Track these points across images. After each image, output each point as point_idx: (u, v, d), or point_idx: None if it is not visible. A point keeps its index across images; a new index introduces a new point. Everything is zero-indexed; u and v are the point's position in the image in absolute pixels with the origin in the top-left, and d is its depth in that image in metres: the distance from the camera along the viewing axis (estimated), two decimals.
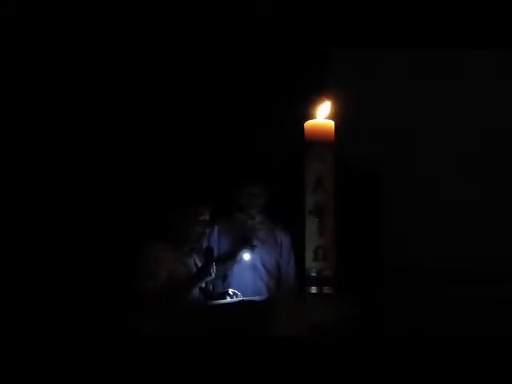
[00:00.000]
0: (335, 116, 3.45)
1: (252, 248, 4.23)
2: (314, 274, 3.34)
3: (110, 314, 4.16)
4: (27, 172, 4.60)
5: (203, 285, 3.85)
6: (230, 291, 3.87)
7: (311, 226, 3.37)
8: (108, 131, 4.71)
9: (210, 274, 3.76)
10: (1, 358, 3.73)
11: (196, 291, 3.83)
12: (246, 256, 4.21)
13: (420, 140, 4.84)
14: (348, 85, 4.64)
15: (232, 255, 4.24)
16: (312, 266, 3.34)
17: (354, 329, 3.45)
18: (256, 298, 3.69)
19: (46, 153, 4.66)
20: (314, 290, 3.36)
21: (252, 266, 4.26)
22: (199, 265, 3.93)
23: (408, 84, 4.93)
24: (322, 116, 3.41)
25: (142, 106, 4.76)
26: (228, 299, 3.79)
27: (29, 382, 3.57)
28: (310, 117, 3.42)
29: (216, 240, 4.31)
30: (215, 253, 3.98)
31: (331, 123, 3.40)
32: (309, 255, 3.36)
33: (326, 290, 3.35)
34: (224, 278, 4.24)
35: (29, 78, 4.67)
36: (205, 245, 4.08)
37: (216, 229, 4.33)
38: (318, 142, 3.38)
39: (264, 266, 4.29)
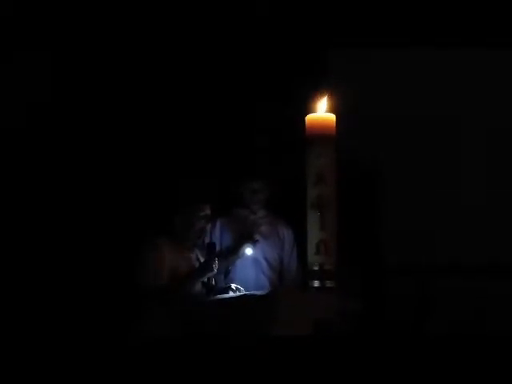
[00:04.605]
0: (336, 112, 3.46)
1: (254, 243, 4.21)
2: (315, 268, 3.35)
3: (112, 312, 4.17)
4: (30, 171, 4.62)
5: (205, 280, 3.85)
6: (233, 286, 3.86)
7: (313, 220, 3.37)
8: (108, 128, 4.72)
9: (212, 270, 3.78)
10: (1, 358, 3.69)
11: (198, 286, 3.84)
12: (248, 251, 4.19)
13: (420, 138, 4.85)
14: (347, 85, 4.64)
15: (234, 250, 4.21)
16: (314, 260, 3.35)
17: (357, 325, 3.45)
18: (258, 292, 3.68)
19: (50, 151, 4.67)
20: (316, 283, 3.36)
21: (254, 260, 4.24)
22: (201, 260, 3.95)
23: (407, 84, 4.93)
24: (323, 110, 3.42)
25: (144, 104, 4.76)
26: (230, 294, 3.78)
27: (29, 382, 3.53)
28: (311, 111, 3.43)
29: (218, 235, 4.29)
30: (217, 248, 4.00)
31: (332, 117, 3.41)
32: (311, 249, 3.37)
33: (328, 283, 3.36)
34: (226, 272, 4.22)
35: (28, 78, 4.69)
36: (207, 240, 4.10)
37: (218, 224, 4.31)
38: (320, 136, 3.39)
39: (266, 260, 4.27)
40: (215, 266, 3.77)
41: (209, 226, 4.09)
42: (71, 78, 4.77)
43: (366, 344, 3.22)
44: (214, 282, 3.93)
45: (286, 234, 4.36)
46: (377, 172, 4.83)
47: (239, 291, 3.83)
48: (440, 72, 4.92)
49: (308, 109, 3.46)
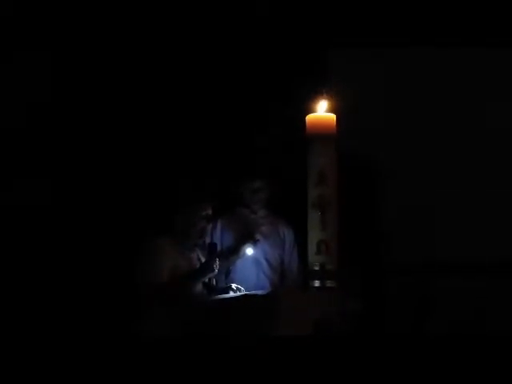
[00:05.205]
0: (336, 112, 3.47)
1: (255, 243, 4.22)
2: (316, 268, 3.36)
3: (112, 312, 4.17)
4: (30, 171, 4.63)
5: (206, 280, 3.85)
6: (233, 286, 3.86)
7: (314, 219, 3.38)
8: (111, 128, 4.73)
9: (213, 270, 3.77)
10: (1, 358, 3.69)
11: (199, 286, 3.84)
12: (249, 251, 4.19)
13: (420, 138, 4.85)
14: (347, 85, 4.64)
15: (235, 250, 4.21)
16: (315, 260, 3.36)
17: (357, 325, 3.45)
18: (259, 292, 3.68)
19: (50, 151, 4.67)
20: (316, 283, 3.37)
21: (255, 260, 4.23)
22: (202, 260, 3.94)
23: (407, 84, 4.94)
24: (323, 110, 3.43)
25: (145, 105, 4.77)
26: (231, 294, 3.78)
27: (29, 382, 3.53)
28: (311, 111, 3.43)
29: (219, 235, 4.28)
30: (218, 248, 3.99)
31: (333, 117, 3.43)
32: (311, 249, 3.37)
33: (329, 283, 3.37)
34: (227, 272, 4.21)
35: (28, 78, 4.69)
36: (208, 240, 4.09)
37: (219, 224, 4.31)
38: (320, 136, 3.40)
39: (267, 260, 4.27)
40: (216, 266, 3.77)
41: (209, 226, 4.09)
42: (71, 77, 4.77)
43: (366, 344, 3.22)
44: (214, 282, 3.94)
45: (287, 233, 4.36)
46: (377, 172, 4.83)
47: (240, 291, 3.82)
48: (440, 72, 4.92)
49: (308, 109, 3.47)
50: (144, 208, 4.48)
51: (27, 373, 3.37)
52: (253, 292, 3.72)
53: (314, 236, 3.37)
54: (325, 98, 3.46)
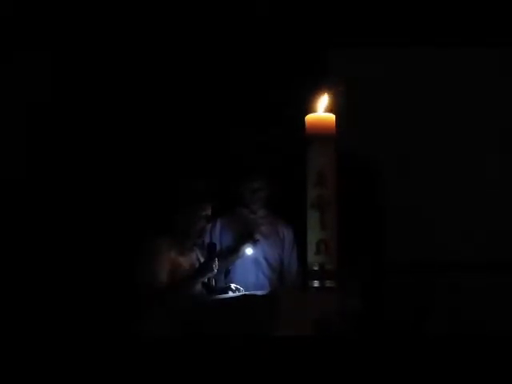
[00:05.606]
0: (335, 112, 3.46)
1: (254, 243, 4.23)
2: (316, 268, 3.34)
3: (112, 312, 4.17)
4: (30, 171, 4.63)
5: (205, 280, 3.85)
6: (233, 286, 3.85)
7: (313, 219, 3.36)
8: (109, 128, 4.73)
9: (213, 270, 3.78)
10: (1, 358, 3.69)
11: (198, 286, 3.83)
12: (249, 251, 4.21)
13: (420, 138, 4.86)
14: (347, 85, 4.63)
15: (234, 250, 4.24)
16: (314, 260, 3.33)
17: (357, 325, 3.44)
18: (258, 292, 3.66)
19: (50, 151, 4.68)
20: (316, 283, 3.35)
21: (254, 260, 4.26)
22: (201, 260, 3.95)
23: (407, 84, 4.94)
24: (323, 109, 3.42)
25: (145, 104, 4.78)
26: (230, 294, 3.77)
27: (29, 382, 3.53)
28: (311, 111, 3.43)
29: (218, 235, 4.31)
30: (217, 248, 3.99)
31: (332, 117, 3.41)
32: (311, 249, 3.36)
33: (328, 283, 3.35)
34: (226, 272, 4.24)
35: (28, 78, 4.70)
36: (207, 240, 4.10)
37: (218, 224, 4.33)
38: (319, 136, 3.38)
39: (266, 260, 4.29)
40: (215, 266, 3.77)
41: (209, 226, 4.10)
42: (71, 77, 4.77)
43: (366, 344, 3.21)
44: (214, 282, 3.94)
45: (286, 233, 4.38)
46: (376, 172, 4.84)
47: (239, 291, 3.82)
48: (440, 72, 4.93)
49: (308, 109, 3.47)
50: (144, 208, 4.49)
51: (27, 373, 3.36)
52: (252, 292, 3.70)
53: (313, 236, 3.35)
54: (325, 96, 3.45)
